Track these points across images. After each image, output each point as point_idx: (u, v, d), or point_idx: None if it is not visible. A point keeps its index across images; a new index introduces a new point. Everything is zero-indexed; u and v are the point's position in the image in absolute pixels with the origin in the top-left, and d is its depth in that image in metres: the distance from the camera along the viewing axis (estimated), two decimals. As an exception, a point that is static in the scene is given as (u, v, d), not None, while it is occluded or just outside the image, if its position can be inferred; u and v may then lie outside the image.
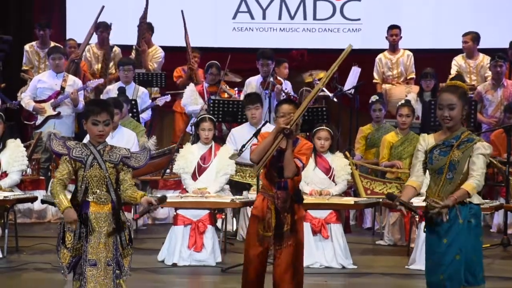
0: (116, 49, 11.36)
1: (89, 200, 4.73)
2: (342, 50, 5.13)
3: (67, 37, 11.95)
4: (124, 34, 11.40)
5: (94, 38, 11.22)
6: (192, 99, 10.25)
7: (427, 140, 4.88)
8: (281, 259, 5.30)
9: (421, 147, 4.88)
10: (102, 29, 11.01)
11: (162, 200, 4.78)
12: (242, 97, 10.12)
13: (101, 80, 10.56)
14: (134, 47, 11.28)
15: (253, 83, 10.34)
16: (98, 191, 4.73)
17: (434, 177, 4.83)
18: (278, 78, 10.23)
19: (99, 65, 11.19)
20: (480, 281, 4.79)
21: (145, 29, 11.21)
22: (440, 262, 4.74)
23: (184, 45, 11.00)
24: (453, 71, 10.89)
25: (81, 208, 4.73)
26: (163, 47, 11.49)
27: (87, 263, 4.69)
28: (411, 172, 4.99)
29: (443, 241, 4.74)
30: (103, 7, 10.84)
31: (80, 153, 4.74)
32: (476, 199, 4.80)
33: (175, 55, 11.56)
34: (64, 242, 4.74)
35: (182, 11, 10.94)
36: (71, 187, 5.00)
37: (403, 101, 9.22)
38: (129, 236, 4.83)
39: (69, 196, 4.76)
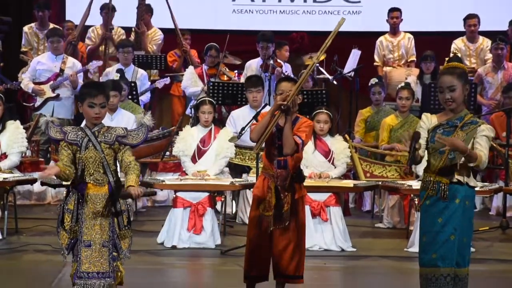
0: (120, 30, 11.33)
1: (87, 181, 4.74)
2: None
3: (67, 19, 11.92)
4: (123, 16, 11.37)
5: (99, 20, 11.18)
6: (191, 82, 10.24)
7: (430, 119, 4.87)
8: (281, 239, 5.32)
9: (424, 125, 4.86)
10: (106, 10, 10.98)
11: (150, 194, 4.80)
12: (242, 80, 10.11)
13: (100, 62, 10.53)
14: (133, 29, 11.25)
15: (253, 65, 10.32)
16: (95, 173, 4.74)
17: (434, 156, 4.80)
18: (278, 60, 10.21)
19: (103, 47, 11.17)
20: (467, 264, 4.81)
21: (144, 10, 11.17)
22: (433, 241, 4.74)
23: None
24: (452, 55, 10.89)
25: (79, 189, 4.74)
26: (161, 29, 11.45)
27: (82, 244, 4.70)
28: None
29: (438, 220, 4.74)
30: None
31: (75, 136, 4.76)
32: (472, 182, 4.80)
33: (167, 37, 11.49)
34: (63, 224, 4.76)
35: None
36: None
37: (402, 84, 9.20)
38: (128, 218, 4.84)
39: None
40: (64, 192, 4.95)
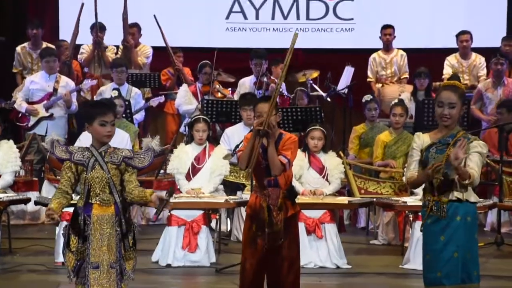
0: (114, 49, 11.32)
1: (92, 202, 4.71)
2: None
3: (60, 37, 11.93)
4: (114, 34, 11.34)
5: (90, 39, 11.18)
6: (186, 99, 10.26)
7: (422, 139, 4.88)
8: (275, 257, 5.31)
9: (416, 145, 4.88)
10: (96, 29, 10.99)
11: (171, 193, 4.74)
12: (235, 97, 10.13)
13: (95, 82, 10.54)
14: (121, 43, 11.23)
15: (246, 83, 10.34)
16: (101, 193, 4.71)
17: None
18: (272, 77, 10.23)
19: (96, 64, 11.17)
20: (475, 280, 4.78)
21: (128, 24, 11.12)
22: (437, 259, 4.73)
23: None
24: (446, 71, 10.92)
25: (84, 211, 4.71)
26: (153, 48, 11.45)
27: (90, 266, 4.66)
28: (406, 170, 4.98)
29: (441, 238, 4.73)
30: (82, 4, 10.84)
31: (81, 156, 4.73)
32: (472, 198, 4.79)
33: (161, 54, 11.50)
34: (69, 246, 4.72)
35: (154, 16, 10.89)
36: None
37: (396, 101, 9.22)
38: (133, 239, 4.81)
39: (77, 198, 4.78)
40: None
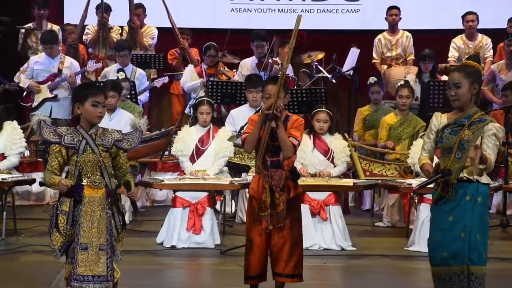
0: (118, 29, 11.27)
1: (83, 184, 4.68)
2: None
3: (64, 18, 11.89)
4: (119, 15, 11.29)
5: (95, 19, 11.15)
6: (191, 79, 10.23)
7: (440, 119, 4.85)
8: (278, 238, 5.30)
9: (433, 125, 4.85)
10: (101, 10, 10.95)
11: (126, 186, 4.75)
12: (237, 78, 10.11)
13: (100, 65, 10.52)
14: (127, 24, 11.19)
15: (248, 64, 10.31)
16: (92, 176, 4.68)
17: (443, 156, 4.80)
18: (275, 59, 10.19)
19: (100, 45, 11.14)
20: (484, 262, 4.75)
21: (134, 4, 11.08)
22: (444, 239, 4.71)
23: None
24: (451, 54, 10.88)
25: (75, 192, 4.68)
26: (160, 29, 11.41)
27: (79, 247, 4.64)
28: (422, 150, 4.93)
29: (449, 218, 4.71)
30: None
31: (72, 139, 4.69)
32: (484, 179, 4.76)
33: (167, 36, 11.46)
34: (57, 225, 4.70)
35: None
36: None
37: (402, 82, 9.18)
38: (123, 220, 4.81)
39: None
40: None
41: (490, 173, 9.15)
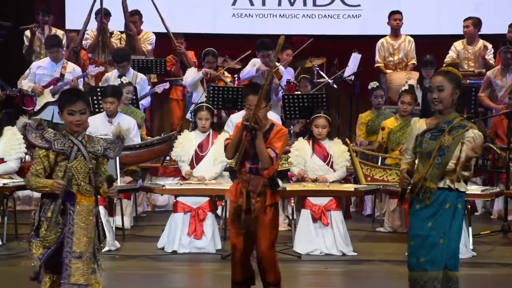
0: (119, 35, 11.28)
1: (74, 191, 4.61)
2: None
3: (66, 23, 11.90)
4: (119, 21, 11.30)
5: (95, 24, 11.17)
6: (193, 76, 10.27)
7: (419, 124, 4.86)
8: (257, 244, 5.30)
9: (413, 131, 4.87)
10: (101, 15, 10.96)
11: (108, 181, 4.72)
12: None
13: (101, 69, 10.53)
14: (124, 31, 11.20)
15: (258, 64, 10.24)
16: (83, 183, 4.62)
17: (422, 161, 4.79)
18: (279, 71, 10.17)
19: (100, 50, 11.15)
20: (457, 268, 4.79)
21: (128, 10, 11.08)
22: (422, 245, 4.72)
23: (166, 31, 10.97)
24: (449, 55, 10.91)
25: (65, 199, 4.58)
26: (156, 34, 11.42)
27: (71, 255, 4.55)
28: (404, 156, 4.97)
29: (428, 224, 4.72)
30: None
31: (62, 145, 4.61)
32: (462, 187, 4.78)
33: (163, 40, 11.46)
34: (37, 233, 4.58)
35: (152, 0, 10.82)
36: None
37: (406, 87, 9.15)
38: (103, 230, 4.78)
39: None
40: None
41: (491, 178, 9.24)
